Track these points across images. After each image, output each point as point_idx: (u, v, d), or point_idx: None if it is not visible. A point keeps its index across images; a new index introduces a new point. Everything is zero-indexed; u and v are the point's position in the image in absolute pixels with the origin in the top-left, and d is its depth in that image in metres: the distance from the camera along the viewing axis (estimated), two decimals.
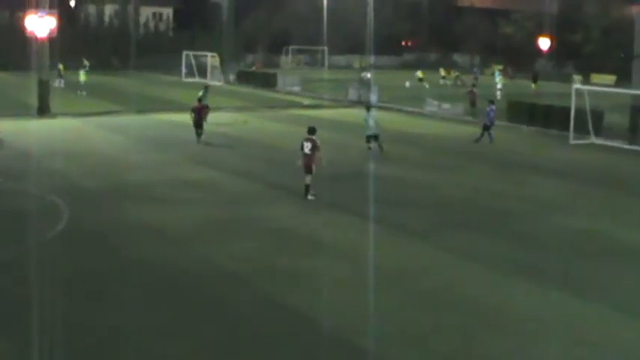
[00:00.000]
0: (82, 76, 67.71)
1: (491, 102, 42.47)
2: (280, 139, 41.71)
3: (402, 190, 28.39)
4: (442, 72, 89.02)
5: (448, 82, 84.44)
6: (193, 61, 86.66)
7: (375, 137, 36.91)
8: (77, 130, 44.58)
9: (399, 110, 54.22)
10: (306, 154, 26.75)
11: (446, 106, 54.59)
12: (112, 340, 14.66)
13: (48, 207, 25.39)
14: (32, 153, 36.01)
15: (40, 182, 29.01)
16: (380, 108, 54.41)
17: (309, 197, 26.51)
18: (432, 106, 55.29)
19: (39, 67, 52.38)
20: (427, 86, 74.54)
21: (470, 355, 14.40)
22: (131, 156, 36.01)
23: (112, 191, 28.15)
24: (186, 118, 40.51)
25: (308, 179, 26.75)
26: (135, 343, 14.52)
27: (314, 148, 26.72)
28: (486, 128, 40.99)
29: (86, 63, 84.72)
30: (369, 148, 36.68)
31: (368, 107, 40.53)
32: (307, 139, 26.93)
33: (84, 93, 64.02)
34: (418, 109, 55.76)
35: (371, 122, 37.23)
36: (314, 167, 26.68)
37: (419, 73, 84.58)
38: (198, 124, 39.55)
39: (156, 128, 45.93)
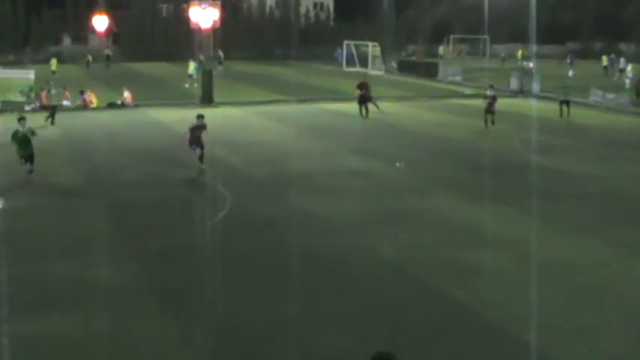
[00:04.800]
0: (191, 68, 67.61)
1: None
2: (441, 128, 41.39)
3: (566, 183, 27.56)
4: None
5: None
6: (354, 51, 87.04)
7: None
8: (239, 119, 45.45)
9: None
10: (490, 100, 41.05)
11: (610, 95, 52.80)
12: (277, 328, 14.79)
13: (211, 194, 25.96)
14: None
15: (204, 170, 29.69)
16: (542, 98, 53.47)
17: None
18: (596, 95, 53.58)
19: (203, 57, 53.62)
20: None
21: None
22: (292, 144, 36.38)
23: (273, 179, 28.51)
24: (347, 107, 40.63)
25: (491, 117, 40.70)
26: (298, 332, 14.57)
27: (495, 99, 41.33)
28: None
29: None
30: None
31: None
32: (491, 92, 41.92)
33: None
34: (582, 99, 54.16)
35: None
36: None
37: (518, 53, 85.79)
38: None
39: (317, 117, 46.31)
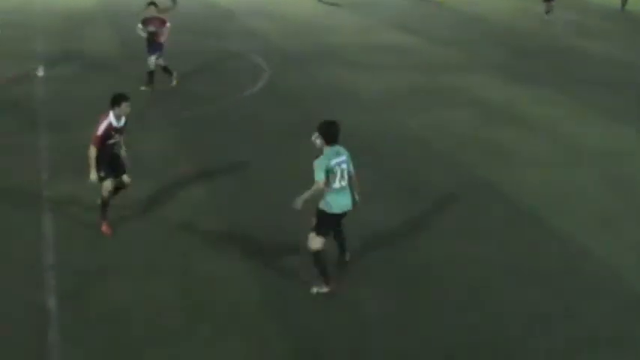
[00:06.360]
0: None
1: None
2: (486, 8, 40.65)
3: (608, 69, 27.11)
4: None
5: None
6: None
7: None
8: None
9: None
10: None
11: None
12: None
13: (249, 66, 25.95)
14: (235, 13, 36.68)
15: (242, 42, 29.58)
16: None
17: None
18: None
19: None
20: None
21: None
22: (332, 18, 36.14)
23: (310, 53, 28.39)
24: None
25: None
26: None
27: None
28: None
29: None
30: None
31: None
32: None
33: None
34: None
35: None
36: None
37: None
38: None
39: None
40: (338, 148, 11.43)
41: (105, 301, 11.05)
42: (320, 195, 11.28)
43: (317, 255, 11.41)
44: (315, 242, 11.37)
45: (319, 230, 11.39)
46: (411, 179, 16.15)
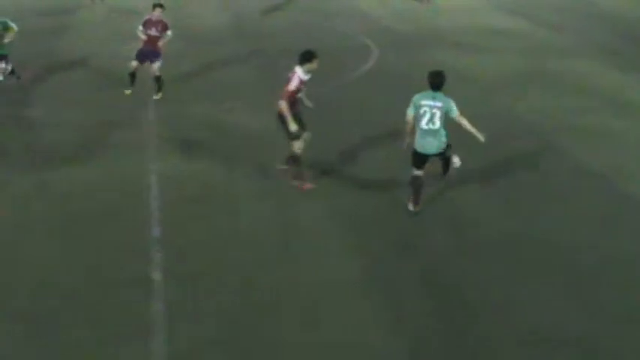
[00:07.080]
0: None
1: None
2: None
3: None
4: None
5: None
6: None
7: None
8: None
9: None
10: None
11: None
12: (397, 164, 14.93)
13: (358, 46, 26.00)
14: None
15: (350, 22, 29.61)
16: None
17: None
18: None
19: None
20: None
21: None
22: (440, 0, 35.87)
23: (417, 34, 28.31)
24: None
25: None
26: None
27: None
28: None
29: None
30: None
31: None
32: None
33: None
34: None
35: None
36: None
37: None
38: None
39: None
40: (437, 94, 12.99)
41: (208, 274, 11.28)
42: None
43: (411, 179, 13.22)
44: (411, 171, 13.20)
45: (412, 163, 13.17)
46: (513, 164, 15.91)
